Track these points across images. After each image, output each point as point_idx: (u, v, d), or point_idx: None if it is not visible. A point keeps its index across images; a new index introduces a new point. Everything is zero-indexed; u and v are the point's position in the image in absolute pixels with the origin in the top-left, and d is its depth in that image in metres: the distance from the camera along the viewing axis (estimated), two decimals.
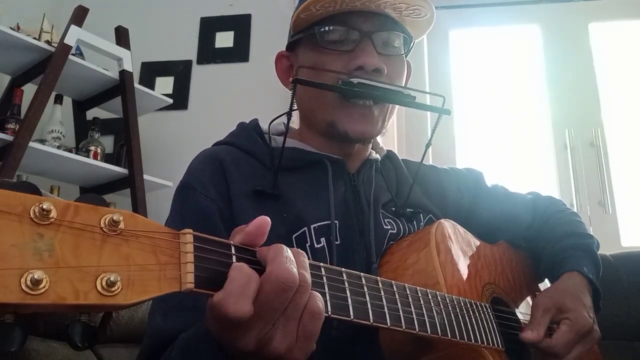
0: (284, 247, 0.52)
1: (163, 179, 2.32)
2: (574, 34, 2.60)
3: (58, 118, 2.28)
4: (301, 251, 0.54)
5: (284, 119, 0.91)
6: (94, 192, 2.36)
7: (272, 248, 0.51)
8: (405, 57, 0.94)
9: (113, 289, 0.38)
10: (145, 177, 2.24)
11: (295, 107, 0.86)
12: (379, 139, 1.02)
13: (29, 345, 1.08)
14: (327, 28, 0.86)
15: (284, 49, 0.98)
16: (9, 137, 1.93)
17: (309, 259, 0.81)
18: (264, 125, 0.98)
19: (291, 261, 0.50)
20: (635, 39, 2.59)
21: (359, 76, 0.83)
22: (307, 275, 0.52)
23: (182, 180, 0.88)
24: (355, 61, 0.85)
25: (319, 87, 0.83)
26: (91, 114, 2.45)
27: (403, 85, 0.93)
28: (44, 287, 0.35)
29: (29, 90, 2.12)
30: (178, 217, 0.85)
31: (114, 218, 0.40)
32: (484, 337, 0.75)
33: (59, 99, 2.32)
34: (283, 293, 0.49)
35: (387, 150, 1.06)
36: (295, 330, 0.51)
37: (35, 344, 1.09)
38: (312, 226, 0.84)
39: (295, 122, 0.94)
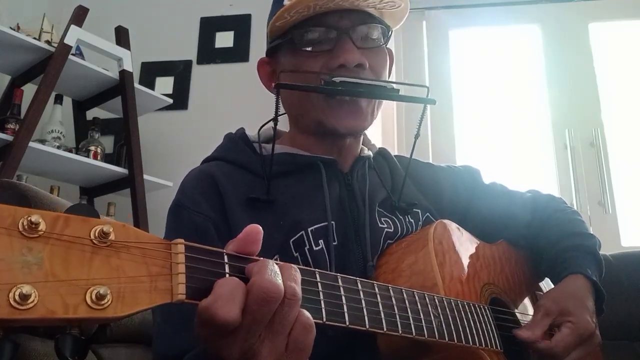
0: (270, 261, 0.51)
1: (163, 179, 2.32)
2: (574, 34, 2.60)
3: (58, 118, 2.28)
4: (293, 265, 0.53)
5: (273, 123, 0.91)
6: (94, 192, 2.37)
7: (258, 262, 0.51)
8: (385, 46, 0.93)
9: (103, 302, 0.38)
10: (145, 177, 2.24)
11: (282, 111, 0.86)
12: (375, 137, 1.02)
13: (29, 345, 1.07)
14: (304, 30, 0.86)
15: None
16: (9, 137, 1.93)
17: (309, 262, 0.81)
18: (250, 133, 0.98)
19: (275, 273, 0.49)
20: (635, 39, 2.58)
21: (341, 74, 0.82)
22: (296, 288, 0.50)
23: (174, 200, 0.87)
24: (335, 60, 0.84)
25: (302, 89, 0.83)
26: (91, 114, 2.45)
27: (387, 73, 0.93)
28: (33, 301, 0.35)
29: (29, 90, 2.12)
30: (172, 235, 0.85)
31: (104, 229, 0.40)
32: (482, 339, 0.75)
33: (59, 99, 2.32)
34: (266, 304, 0.48)
35: (379, 148, 1.05)
36: (283, 345, 0.50)
37: (35, 344, 1.09)
38: (309, 229, 0.83)
39: (284, 126, 0.93)
